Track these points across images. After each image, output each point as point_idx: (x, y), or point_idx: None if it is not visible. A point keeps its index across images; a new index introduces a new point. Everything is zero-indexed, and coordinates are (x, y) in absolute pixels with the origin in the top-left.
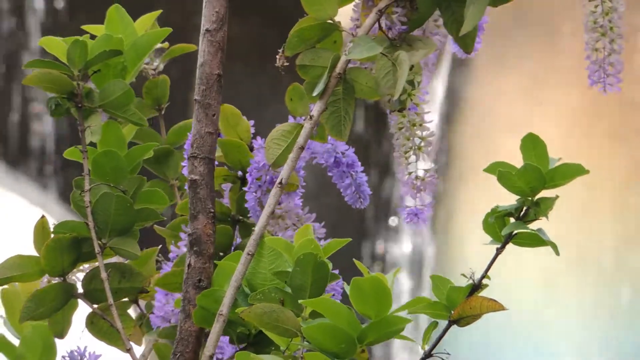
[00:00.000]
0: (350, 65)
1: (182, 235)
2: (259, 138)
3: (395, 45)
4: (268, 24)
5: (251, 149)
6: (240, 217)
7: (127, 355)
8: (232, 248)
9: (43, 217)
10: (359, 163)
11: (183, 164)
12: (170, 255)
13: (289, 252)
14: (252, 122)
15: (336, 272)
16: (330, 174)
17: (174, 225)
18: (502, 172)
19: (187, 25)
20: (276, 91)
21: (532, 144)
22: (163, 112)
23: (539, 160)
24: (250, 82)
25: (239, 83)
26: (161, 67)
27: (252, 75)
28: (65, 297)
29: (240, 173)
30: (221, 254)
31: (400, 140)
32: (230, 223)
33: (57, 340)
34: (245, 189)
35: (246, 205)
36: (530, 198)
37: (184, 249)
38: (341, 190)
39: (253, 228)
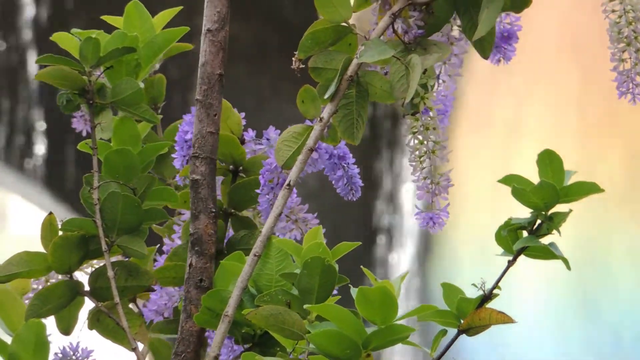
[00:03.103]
0: (367, 69)
1: (176, 227)
2: (250, 130)
3: (409, 49)
4: (269, 23)
5: (242, 142)
6: (233, 211)
7: (121, 350)
8: (225, 242)
9: (51, 213)
10: (351, 155)
11: (174, 155)
12: (165, 248)
13: (297, 254)
14: (243, 115)
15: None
16: (322, 166)
17: (171, 224)
18: (516, 188)
19: (189, 25)
20: (277, 91)
21: (549, 159)
22: (160, 111)
23: (555, 175)
24: (251, 81)
25: (239, 83)
26: (157, 66)
27: (253, 74)
28: (72, 295)
29: (232, 166)
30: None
31: (414, 144)
32: (223, 216)
33: (62, 336)
34: (258, 191)
35: (259, 207)
36: (544, 212)
37: (178, 242)
38: (333, 182)
39: (257, 228)
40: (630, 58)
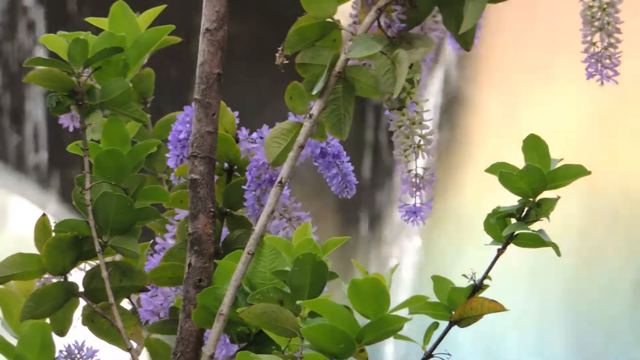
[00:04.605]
0: (350, 64)
1: (169, 227)
2: (243, 129)
3: (394, 44)
4: (268, 22)
5: (237, 140)
6: (228, 210)
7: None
8: (221, 241)
9: (44, 215)
10: (345, 153)
11: (168, 155)
12: (157, 247)
13: (288, 251)
14: (236, 114)
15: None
16: (316, 164)
17: (164, 222)
18: (503, 173)
19: (188, 24)
20: (276, 90)
21: (534, 145)
22: (149, 106)
23: (541, 160)
24: (250, 81)
25: (238, 82)
26: (144, 60)
27: (252, 74)
28: (66, 296)
29: (226, 165)
30: None
31: (400, 138)
32: (218, 216)
33: (58, 337)
34: (244, 187)
35: (245, 204)
36: (531, 199)
37: (170, 242)
38: (327, 180)
39: (252, 227)
40: (601, 42)
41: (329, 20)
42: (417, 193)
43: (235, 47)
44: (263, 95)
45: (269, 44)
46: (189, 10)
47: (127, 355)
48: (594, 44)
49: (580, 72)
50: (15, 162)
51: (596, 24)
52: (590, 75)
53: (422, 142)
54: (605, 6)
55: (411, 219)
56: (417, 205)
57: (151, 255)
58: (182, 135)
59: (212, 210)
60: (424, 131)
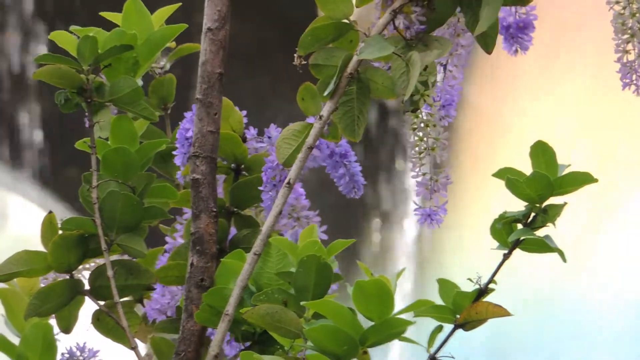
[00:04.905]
0: (370, 64)
1: (178, 226)
2: (251, 128)
3: (410, 46)
4: (268, 23)
5: (244, 140)
6: (235, 209)
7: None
8: (228, 240)
9: (51, 212)
10: (353, 152)
11: (175, 153)
12: (167, 247)
13: (293, 252)
14: (244, 113)
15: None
16: (323, 164)
17: (176, 224)
18: (510, 179)
19: (189, 23)
20: (276, 90)
21: (542, 151)
22: (169, 112)
23: (548, 167)
24: (251, 80)
25: (239, 81)
26: (167, 66)
27: (252, 73)
28: (72, 294)
29: (233, 165)
30: (217, 246)
31: (414, 140)
32: (225, 215)
33: (62, 335)
34: (260, 188)
35: (262, 204)
36: (538, 205)
37: (180, 241)
38: (335, 180)
39: (260, 227)
40: (634, 49)
41: (345, 21)
42: (432, 196)
43: (236, 47)
44: (263, 95)
45: (269, 44)
46: (189, 10)
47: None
48: (627, 52)
49: (580, 72)
50: (13, 161)
51: (628, 31)
52: (626, 86)
53: (436, 145)
54: (635, 12)
55: (426, 222)
56: (433, 208)
57: (162, 254)
58: (189, 134)
59: (214, 210)
60: (438, 133)
